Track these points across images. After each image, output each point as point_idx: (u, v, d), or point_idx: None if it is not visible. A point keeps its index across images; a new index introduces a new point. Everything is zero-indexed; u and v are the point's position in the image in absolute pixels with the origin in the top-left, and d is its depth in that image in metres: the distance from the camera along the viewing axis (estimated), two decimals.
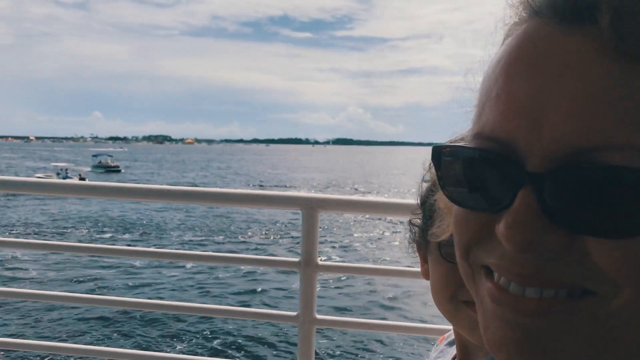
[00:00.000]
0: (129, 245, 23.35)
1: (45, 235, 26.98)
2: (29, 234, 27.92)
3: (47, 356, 10.58)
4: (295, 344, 14.11)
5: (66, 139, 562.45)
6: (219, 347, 13.15)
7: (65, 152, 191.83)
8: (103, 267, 19.96)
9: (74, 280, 18.51)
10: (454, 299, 0.72)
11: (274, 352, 13.03)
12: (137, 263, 20.07)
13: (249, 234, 28.77)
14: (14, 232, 28.25)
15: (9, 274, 19.35)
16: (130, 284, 18.28)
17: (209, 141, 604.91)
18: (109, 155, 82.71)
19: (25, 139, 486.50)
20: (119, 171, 74.85)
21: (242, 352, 13.07)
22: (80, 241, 25.14)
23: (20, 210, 36.22)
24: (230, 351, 13.04)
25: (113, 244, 21.75)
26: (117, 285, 18.17)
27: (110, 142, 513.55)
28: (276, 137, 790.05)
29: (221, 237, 27.73)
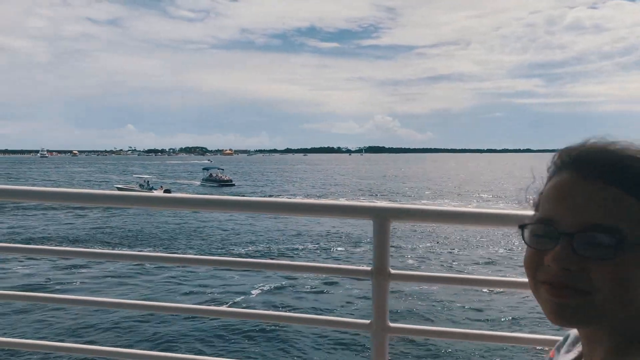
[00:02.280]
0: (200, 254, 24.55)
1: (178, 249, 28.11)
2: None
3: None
4: (365, 353, 12.34)
5: (106, 152, 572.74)
6: (292, 355, 13.26)
7: (138, 164, 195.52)
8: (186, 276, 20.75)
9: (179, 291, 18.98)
10: (534, 278, 0.93)
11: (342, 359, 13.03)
12: (219, 272, 20.66)
13: (320, 243, 29.18)
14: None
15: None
16: (213, 291, 18.83)
17: (245, 152, 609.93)
18: (219, 169, 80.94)
19: (69, 152, 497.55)
20: (232, 185, 73.49)
21: (315, 359, 13.13)
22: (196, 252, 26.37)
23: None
24: (302, 358, 13.08)
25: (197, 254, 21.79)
26: (201, 292, 18.75)
27: (151, 154, 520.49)
28: (306, 147, 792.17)
29: (292, 246, 28.26)
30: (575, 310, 0.85)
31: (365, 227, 29.41)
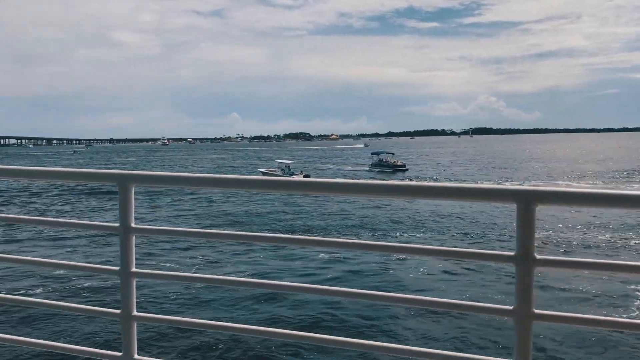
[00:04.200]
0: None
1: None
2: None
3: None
4: (508, 338, 11.78)
5: (216, 139, 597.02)
6: (435, 338, 13.28)
7: (269, 151, 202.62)
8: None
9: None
10: None
11: (488, 345, 12.74)
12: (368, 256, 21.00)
13: (460, 226, 28.76)
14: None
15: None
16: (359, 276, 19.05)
17: (348, 136, 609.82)
18: (389, 153, 78.80)
19: (184, 140, 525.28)
20: (406, 169, 71.34)
21: (456, 343, 12.95)
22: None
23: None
24: (443, 343, 12.94)
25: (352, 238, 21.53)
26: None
27: (260, 141, 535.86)
28: (409, 130, 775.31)
29: (426, 230, 28.09)
30: None
31: (500, 210, 30.52)
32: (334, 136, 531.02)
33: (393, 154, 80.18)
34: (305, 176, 62.58)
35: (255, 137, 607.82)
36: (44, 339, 2.67)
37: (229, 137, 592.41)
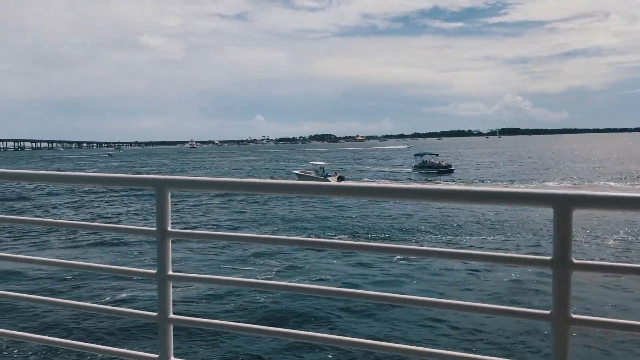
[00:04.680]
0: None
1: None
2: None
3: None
4: (545, 343, 11.81)
5: (242, 141, 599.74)
6: (470, 342, 13.23)
7: (299, 152, 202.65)
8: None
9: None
10: None
11: (525, 350, 12.68)
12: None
13: (489, 229, 28.57)
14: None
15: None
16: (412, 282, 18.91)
17: (373, 137, 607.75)
18: (433, 154, 77.47)
19: (211, 143, 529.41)
20: (451, 170, 69.86)
21: (492, 347, 12.88)
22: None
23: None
24: (478, 347, 12.89)
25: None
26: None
27: (287, 142, 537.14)
28: (434, 130, 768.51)
29: (459, 234, 27.76)
30: None
31: (534, 213, 30.02)
32: (359, 137, 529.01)
33: (437, 155, 78.65)
34: (339, 178, 61.79)
35: (281, 139, 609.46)
36: (81, 341, 2.72)
37: (255, 139, 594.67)
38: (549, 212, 1.74)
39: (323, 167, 64.61)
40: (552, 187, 50.01)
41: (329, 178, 60.68)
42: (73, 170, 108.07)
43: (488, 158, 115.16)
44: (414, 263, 20.62)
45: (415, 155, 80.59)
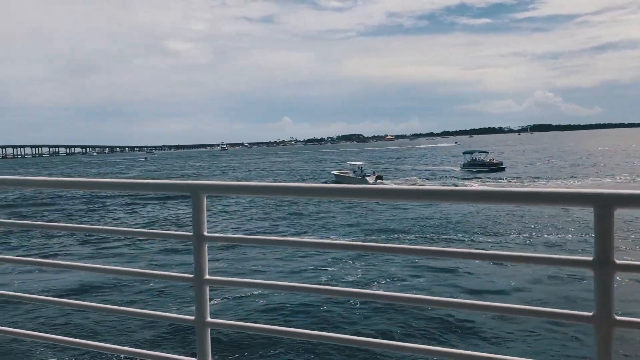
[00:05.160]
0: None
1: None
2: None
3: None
4: (587, 346, 11.55)
5: (271, 143, 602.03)
6: (512, 344, 13.16)
7: (332, 153, 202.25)
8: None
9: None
10: None
11: (564, 353, 12.54)
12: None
13: (536, 231, 27.45)
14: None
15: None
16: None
17: (402, 136, 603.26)
18: (483, 152, 74.89)
19: (241, 145, 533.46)
20: (503, 169, 67.68)
21: (531, 351, 12.67)
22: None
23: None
24: (519, 349, 12.76)
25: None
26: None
27: (315, 144, 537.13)
28: (464, 129, 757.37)
29: (494, 234, 27.21)
30: None
31: (570, 212, 29.48)
32: (389, 137, 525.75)
33: (487, 152, 75.98)
34: (377, 177, 60.80)
35: (309, 140, 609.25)
36: (119, 344, 2.74)
37: (283, 140, 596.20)
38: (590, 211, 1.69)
39: (361, 167, 63.71)
40: (609, 184, 48.33)
41: (367, 178, 59.79)
42: (113, 174, 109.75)
43: (531, 155, 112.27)
44: (456, 266, 20.25)
45: (464, 153, 78.52)
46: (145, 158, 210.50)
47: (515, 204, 1.90)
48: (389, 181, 61.12)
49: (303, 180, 71.42)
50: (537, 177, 58.02)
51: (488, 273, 19.50)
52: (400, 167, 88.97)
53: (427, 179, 64.75)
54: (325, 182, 63.93)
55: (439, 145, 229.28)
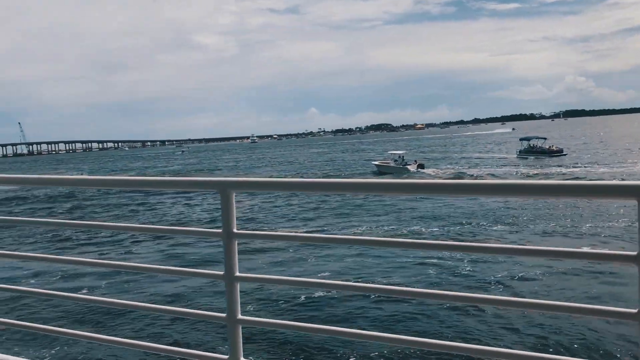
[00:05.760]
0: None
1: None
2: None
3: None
4: (629, 342, 12.27)
5: (299, 134, 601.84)
6: (554, 341, 12.94)
7: (365, 142, 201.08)
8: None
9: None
10: None
11: (607, 349, 12.36)
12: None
13: (575, 225, 26.64)
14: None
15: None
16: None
17: (432, 125, 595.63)
18: (541, 138, 72.20)
19: (270, 137, 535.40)
20: (563, 155, 65.55)
21: (571, 347, 12.57)
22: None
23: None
24: (565, 344, 12.63)
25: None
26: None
27: (345, 134, 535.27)
28: (495, 116, 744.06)
29: (531, 229, 26.49)
30: None
31: (608, 206, 28.33)
32: (419, 126, 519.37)
33: (545, 138, 72.68)
34: (419, 166, 59.92)
35: (337, 130, 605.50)
36: (151, 342, 2.76)
37: (311, 131, 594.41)
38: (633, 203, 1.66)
39: (402, 156, 62.95)
40: None
41: (408, 167, 59.01)
42: (156, 167, 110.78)
43: (576, 141, 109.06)
44: (498, 262, 19.77)
45: (521, 139, 75.98)
46: (182, 152, 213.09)
47: (554, 197, 1.88)
48: (431, 170, 60.01)
49: (346, 171, 70.71)
50: (598, 163, 55.95)
51: (525, 269, 18.86)
52: (448, 156, 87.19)
53: (483, 168, 62.75)
54: (367, 173, 63.19)
55: (495, 131, 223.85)
